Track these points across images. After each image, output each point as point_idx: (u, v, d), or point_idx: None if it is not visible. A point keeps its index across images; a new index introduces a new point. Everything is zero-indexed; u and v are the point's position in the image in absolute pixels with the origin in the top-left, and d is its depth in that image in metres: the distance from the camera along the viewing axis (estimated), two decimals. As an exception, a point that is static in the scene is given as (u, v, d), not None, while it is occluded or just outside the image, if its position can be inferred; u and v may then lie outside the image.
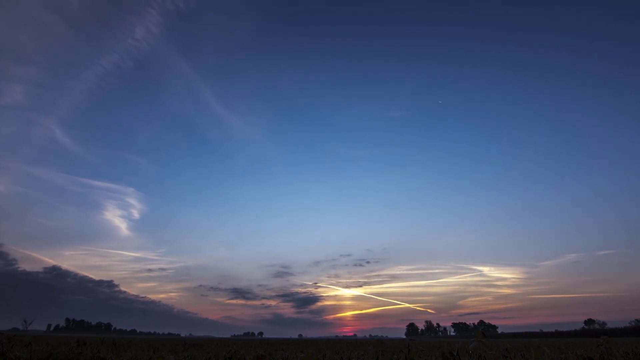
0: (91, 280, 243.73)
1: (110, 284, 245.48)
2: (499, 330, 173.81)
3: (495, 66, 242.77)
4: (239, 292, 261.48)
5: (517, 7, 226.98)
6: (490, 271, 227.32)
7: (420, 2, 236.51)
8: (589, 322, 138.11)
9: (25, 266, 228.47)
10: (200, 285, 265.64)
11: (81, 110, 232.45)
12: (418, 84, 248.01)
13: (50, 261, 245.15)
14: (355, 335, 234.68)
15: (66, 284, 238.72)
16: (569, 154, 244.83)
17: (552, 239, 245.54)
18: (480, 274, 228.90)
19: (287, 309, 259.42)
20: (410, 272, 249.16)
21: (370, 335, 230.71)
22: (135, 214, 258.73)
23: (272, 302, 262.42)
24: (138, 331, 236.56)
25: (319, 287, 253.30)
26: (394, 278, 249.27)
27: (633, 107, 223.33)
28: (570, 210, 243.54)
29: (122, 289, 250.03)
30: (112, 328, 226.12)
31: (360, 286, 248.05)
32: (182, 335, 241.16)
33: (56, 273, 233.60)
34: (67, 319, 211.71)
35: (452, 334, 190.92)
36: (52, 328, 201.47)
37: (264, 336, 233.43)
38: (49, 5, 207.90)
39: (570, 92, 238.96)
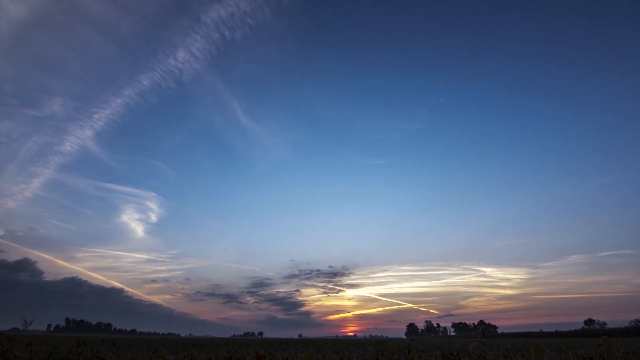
0: (102, 288, 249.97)
1: (119, 290, 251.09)
2: (499, 330, 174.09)
3: (511, 80, 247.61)
4: (232, 297, 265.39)
5: (537, 21, 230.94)
6: (493, 272, 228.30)
7: (443, 20, 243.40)
8: (589, 322, 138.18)
9: (47, 277, 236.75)
10: (198, 292, 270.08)
11: (116, 123, 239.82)
12: (436, 99, 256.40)
13: (64, 263, 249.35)
14: (355, 335, 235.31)
15: (80, 291, 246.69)
16: (572, 155, 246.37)
17: (555, 241, 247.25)
18: (483, 274, 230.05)
19: (279, 312, 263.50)
20: (414, 272, 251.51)
21: (370, 335, 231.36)
22: (153, 218, 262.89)
23: (264, 306, 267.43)
24: (138, 331, 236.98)
25: (314, 287, 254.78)
26: (399, 279, 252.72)
27: (637, 108, 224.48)
28: (573, 212, 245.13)
29: (129, 292, 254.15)
30: (112, 328, 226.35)
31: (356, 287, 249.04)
32: (182, 335, 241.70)
33: (74, 283, 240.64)
34: (67, 319, 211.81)
35: (452, 334, 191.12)
36: (52, 328, 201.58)
37: (264, 336, 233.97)
38: (100, 27, 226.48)
39: (574, 94, 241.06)
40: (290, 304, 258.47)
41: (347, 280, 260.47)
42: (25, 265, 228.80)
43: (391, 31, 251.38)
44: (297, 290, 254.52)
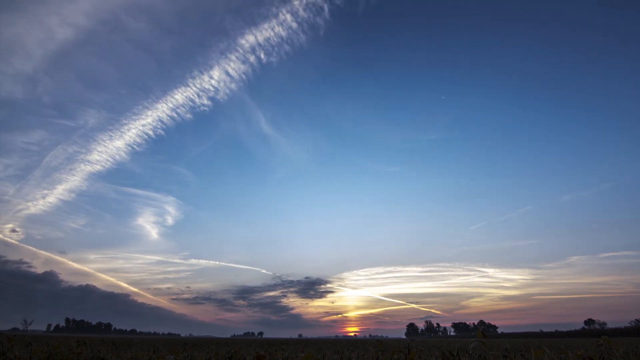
0: (112, 294, 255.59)
1: (126, 295, 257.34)
2: (499, 331, 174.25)
3: (517, 89, 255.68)
4: (225, 302, 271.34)
5: (545, 32, 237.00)
6: (496, 273, 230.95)
7: (459, 38, 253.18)
8: (589, 322, 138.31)
9: (63, 284, 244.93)
10: (197, 297, 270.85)
11: (146, 134, 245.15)
12: (451, 111, 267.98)
13: (77, 266, 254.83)
14: (355, 335, 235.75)
15: (91, 297, 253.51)
16: (575, 160, 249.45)
17: (557, 243, 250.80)
18: (486, 275, 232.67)
19: (272, 315, 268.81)
20: (418, 274, 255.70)
21: (370, 335, 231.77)
22: (170, 220, 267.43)
23: (257, 308, 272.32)
24: (138, 331, 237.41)
25: (317, 287, 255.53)
26: (402, 279, 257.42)
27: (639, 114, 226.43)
28: (575, 215, 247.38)
29: (135, 295, 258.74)
30: (112, 328, 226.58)
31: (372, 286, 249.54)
32: (182, 335, 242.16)
33: (88, 290, 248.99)
34: (67, 319, 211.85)
35: (452, 333, 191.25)
36: (52, 328, 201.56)
37: (264, 336, 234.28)
38: (141, 44, 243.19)
39: (577, 101, 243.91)
40: (282, 307, 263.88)
41: (348, 281, 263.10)
42: (49, 276, 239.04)
43: (410, 48, 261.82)
44: (286, 293, 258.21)
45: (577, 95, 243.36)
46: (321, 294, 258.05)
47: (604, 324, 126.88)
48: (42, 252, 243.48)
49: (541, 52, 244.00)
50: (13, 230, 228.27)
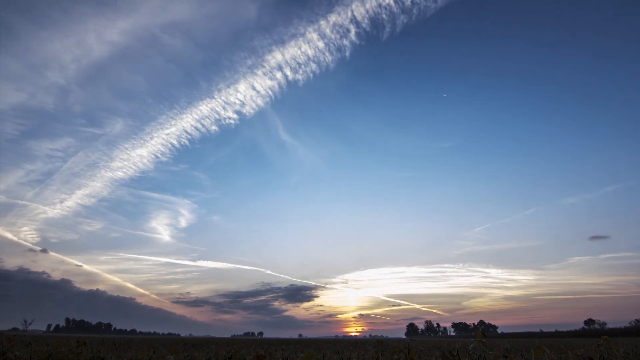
0: (118, 297, 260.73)
1: (131, 298, 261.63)
2: (499, 330, 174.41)
3: (522, 95, 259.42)
4: (223, 305, 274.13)
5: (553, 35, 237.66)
6: (498, 273, 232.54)
7: (471, 48, 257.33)
8: (589, 322, 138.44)
9: (73, 290, 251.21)
10: (197, 300, 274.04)
11: (169, 143, 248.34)
12: (463, 121, 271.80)
13: (86, 267, 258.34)
14: (355, 335, 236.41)
15: (98, 300, 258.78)
16: (578, 163, 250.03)
17: (558, 244, 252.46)
18: (488, 276, 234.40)
19: (268, 316, 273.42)
20: (423, 274, 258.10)
21: (370, 335, 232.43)
22: (183, 223, 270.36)
23: (254, 310, 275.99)
24: (138, 331, 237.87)
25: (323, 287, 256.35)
26: (408, 280, 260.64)
27: None
28: (577, 217, 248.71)
29: (140, 298, 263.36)
30: (112, 328, 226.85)
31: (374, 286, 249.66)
32: (182, 335, 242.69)
33: (97, 294, 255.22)
34: (67, 319, 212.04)
35: (452, 333, 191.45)
36: (52, 328, 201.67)
37: (264, 336, 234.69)
38: (173, 58, 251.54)
39: (582, 104, 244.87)
40: (276, 310, 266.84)
41: (352, 282, 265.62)
42: (64, 283, 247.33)
43: (426, 68, 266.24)
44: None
45: (582, 99, 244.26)
46: (323, 294, 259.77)
47: (604, 324, 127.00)
48: (55, 254, 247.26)
49: (545, 55, 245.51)
50: (43, 250, 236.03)
